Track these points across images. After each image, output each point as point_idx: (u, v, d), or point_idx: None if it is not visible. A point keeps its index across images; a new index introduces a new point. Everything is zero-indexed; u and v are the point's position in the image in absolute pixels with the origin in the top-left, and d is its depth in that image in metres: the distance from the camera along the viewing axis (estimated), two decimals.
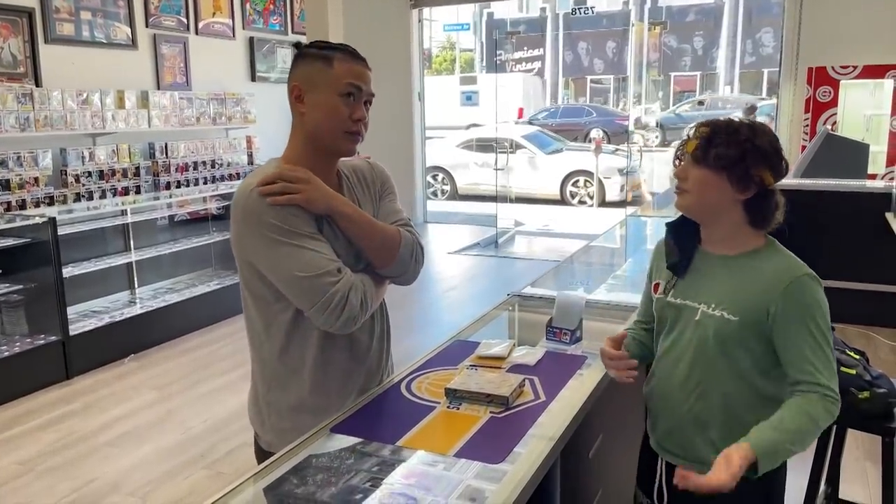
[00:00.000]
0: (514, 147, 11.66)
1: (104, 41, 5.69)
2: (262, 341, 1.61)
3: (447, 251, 8.09)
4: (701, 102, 18.59)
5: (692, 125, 1.58)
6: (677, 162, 1.57)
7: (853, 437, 2.69)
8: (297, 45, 1.61)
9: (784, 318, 1.46)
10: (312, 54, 1.55)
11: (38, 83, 5.16)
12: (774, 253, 1.54)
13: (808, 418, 1.43)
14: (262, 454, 1.67)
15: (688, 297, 1.58)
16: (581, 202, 11.40)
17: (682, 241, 1.62)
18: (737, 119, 1.53)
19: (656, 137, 16.49)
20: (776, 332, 1.48)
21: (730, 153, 1.46)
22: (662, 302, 1.64)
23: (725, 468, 1.34)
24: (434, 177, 12.09)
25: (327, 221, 1.55)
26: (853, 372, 2.12)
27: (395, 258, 1.61)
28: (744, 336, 1.50)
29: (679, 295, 1.60)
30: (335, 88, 1.52)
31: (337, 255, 1.54)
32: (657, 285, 1.66)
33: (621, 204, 10.57)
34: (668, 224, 1.66)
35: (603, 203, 11.09)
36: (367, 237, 1.58)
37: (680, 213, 1.62)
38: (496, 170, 9.77)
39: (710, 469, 1.36)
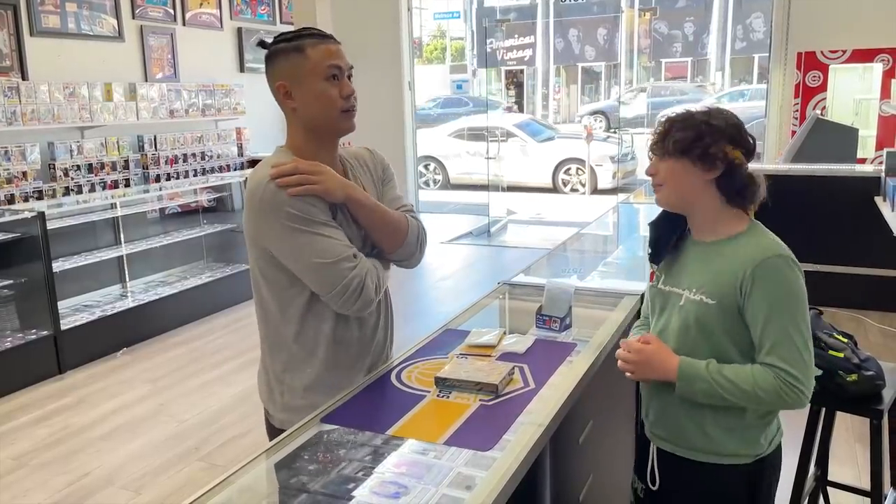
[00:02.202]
0: (506, 136, 11.65)
1: (90, 33, 5.65)
2: (278, 324, 1.65)
3: (439, 241, 8.08)
4: (643, 90, 19.12)
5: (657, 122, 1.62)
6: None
7: (842, 419, 2.72)
8: (262, 44, 1.63)
9: (753, 298, 1.48)
10: (284, 49, 1.57)
11: (24, 76, 5.12)
12: (753, 235, 1.56)
13: (752, 380, 1.46)
14: (273, 431, 1.73)
15: (674, 284, 1.62)
16: (573, 190, 11.40)
17: (664, 233, 1.66)
18: (695, 108, 1.58)
19: (601, 125, 16.82)
20: (746, 312, 1.50)
21: (686, 135, 1.51)
22: (654, 290, 1.69)
23: (644, 357, 1.55)
24: (426, 166, 12.08)
25: (340, 209, 1.60)
26: (841, 355, 2.13)
27: (403, 243, 1.68)
28: (723, 319, 1.52)
29: (667, 282, 1.64)
30: (319, 74, 1.55)
31: (350, 241, 1.59)
32: (652, 274, 1.71)
33: (613, 191, 10.58)
34: (650, 223, 1.70)
35: (595, 191, 11.10)
36: (380, 223, 1.64)
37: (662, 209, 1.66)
38: (488, 159, 9.76)
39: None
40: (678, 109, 1.64)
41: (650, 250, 1.69)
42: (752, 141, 1.55)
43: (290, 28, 1.56)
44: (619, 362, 1.61)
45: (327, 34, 1.60)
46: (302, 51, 1.55)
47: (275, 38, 1.61)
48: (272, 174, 1.52)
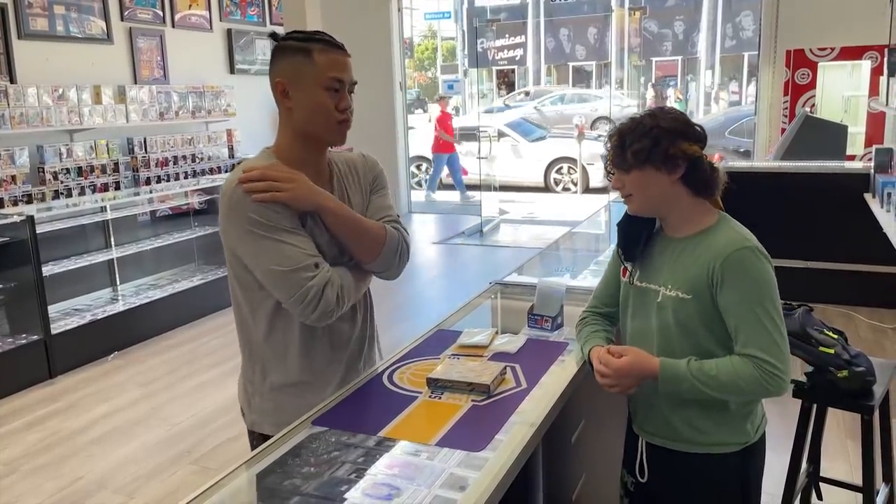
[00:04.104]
0: (498, 135, 11.65)
1: (79, 36, 5.61)
2: (249, 325, 1.66)
3: (432, 241, 8.09)
4: (527, 93, 19.49)
5: (606, 136, 1.63)
6: (610, 176, 1.63)
7: (834, 415, 2.73)
8: (273, 36, 1.61)
9: (725, 291, 1.51)
10: (292, 47, 1.55)
11: (12, 80, 5.09)
12: (722, 228, 1.58)
13: (732, 373, 1.48)
14: (250, 434, 1.74)
15: (651, 280, 1.64)
16: (565, 189, 11.42)
17: (633, 232, 1.67)
18: (637, 114, 1.60)
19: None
20: (720, 304, 1.52)
21: (643, 145, 1.52)
22: (628, 287, 1.70)
23: (625, 371, 1.54)
24: (418, 167, 12.06)
25: (311, 216, 1.58)
26: (832, 351, 2.14)
27: (379, 254, 1.65)
28: (701, 313, 1.54)
29: (643, 278, 1.66)
30: (319, 83, 1.54)
31: (321, 250, 1.58)
32: (625, 270, 1.72)
33: (605, 190, 10.60)
34: (618, 224, 1.72)
35: (587, 189, 11.12)
36: (352, 233, 1.61)
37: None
38: (479, 158, 9.76)
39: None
40: (623, 119, 1.65)
41: (621, 251, 1.70)
42: (701, 130, 1.58)
43: (277, 29, 1.56)
44: (599, 378, 1.59)
45: (340, 44, 1.58)
46: (309, 54, 1.53)
47: (287, 33, 1.60)
48: (241, 179, 1.52)
